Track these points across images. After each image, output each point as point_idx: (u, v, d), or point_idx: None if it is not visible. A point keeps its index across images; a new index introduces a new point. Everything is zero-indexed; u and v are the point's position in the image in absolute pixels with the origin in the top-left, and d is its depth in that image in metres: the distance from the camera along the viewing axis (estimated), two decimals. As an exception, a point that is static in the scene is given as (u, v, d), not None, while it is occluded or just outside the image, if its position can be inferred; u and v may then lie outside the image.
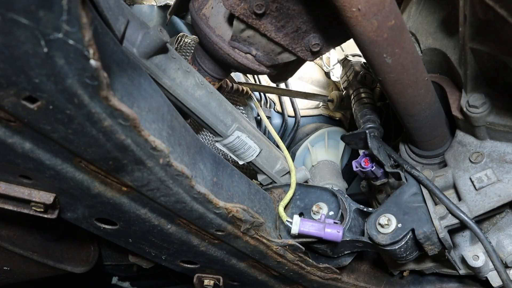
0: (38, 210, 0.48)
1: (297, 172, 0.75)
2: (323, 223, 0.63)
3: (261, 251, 0.64)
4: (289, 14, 0.55)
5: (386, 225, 0.64)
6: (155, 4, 1.31)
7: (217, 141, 0.69)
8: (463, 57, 0.62)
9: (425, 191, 0.67)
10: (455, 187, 0.68)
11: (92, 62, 0.29)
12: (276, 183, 0.77)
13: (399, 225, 0.64)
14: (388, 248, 0.64)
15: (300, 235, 0.64)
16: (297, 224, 0.63)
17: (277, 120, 1.15)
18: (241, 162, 0.72)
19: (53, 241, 0.81)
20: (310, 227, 0.63)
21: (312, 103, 1.33)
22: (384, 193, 0.87)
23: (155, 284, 1.31)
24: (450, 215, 0.63)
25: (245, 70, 0.64)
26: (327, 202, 0.72)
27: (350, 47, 1.24)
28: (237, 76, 1.04)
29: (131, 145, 0.39)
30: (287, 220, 0.63)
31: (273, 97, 1.16)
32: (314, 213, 0.70)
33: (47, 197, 0.47)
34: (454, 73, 0.70)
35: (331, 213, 0.70)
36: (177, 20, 1.27)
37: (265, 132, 0.99)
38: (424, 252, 0.66)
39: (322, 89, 1.42)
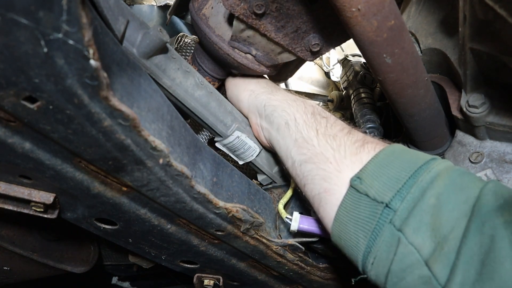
0: (38, 210, 0.48)
1: (297, 172, 0.75)
2: (323, 222, 0.64)
3: (261, 251, 0.64)
4: (289, 14, 0.55)
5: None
6: (155, 4, 1.31)
7: (217, 141, 0.69)
8: (462, 57, 0.62)
9: (425, 191, 0.67)
10: (455, 187, 0.68)
11: (92, 62, 0.29)
12: (276, 183, 0.77)
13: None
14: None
15: (299, 232, 0.64)
16: (296, 221, 0.63)
17: (277, 120, 1.15)
18: (241, 162, 0.72)
19: (53, 241, 0.81)
20: (310, 224, 0.63)
21: (312, 103, 1.33)
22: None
23: (155, 284, 1.31)
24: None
25: (245, 70, 0.64)
26: (327, 202, 0.71)
27: (350, 47, 1.24)
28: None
29: (131, 145, 0.39)
30: (286, 217, 0.63)
31: (273, 97, 1.16)
32: (314, 213, 0.70)
33: (47, 197, 0.47)
34: (454, 73, 0.70)
35: (331, 213, 0.70)
36: (177, 20, 1.28)
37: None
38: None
39: (322, 89, 1.42)
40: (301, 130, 0.56)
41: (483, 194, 0.39)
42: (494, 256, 0.34)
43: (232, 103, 0.69)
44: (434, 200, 0.40)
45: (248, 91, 0.66)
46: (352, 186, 0.46)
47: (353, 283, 0.48)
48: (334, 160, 0.50)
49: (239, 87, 0.68)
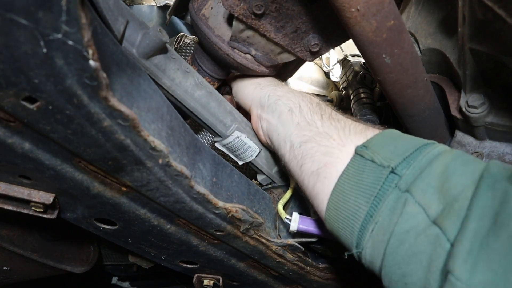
0: (37, 210, 0.48)
1: (297, 172, 0.75)
2: (322, 221, 0.64)
3: (261, 251, 0.64)
4: (288, 15, 0.55)
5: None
6: (155, 4, 1.31)
7: (216, 141, 0.69)
8: (462, 57, 0.63)
9: (424, 191, 0.67)
10: (454, 187, 0.68)
11: (91, 62, 0.29)
12: (275, 183, 0.77)
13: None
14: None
15: (299, 232, 0.64)
16: (296, 221, 0.63)
17: (276, 120, 1.15)
18: (240, 162, 0.72)
19: (53, 241, 0.81)
20: (309, 224, 0.63)
21: (312, 103, 1.33)
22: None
23: (155, 284, 1.31)
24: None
25: (245, 71, 0.64)
26: (327, 202, 0.71)
27: (349, 47, 1.24)
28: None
29: (131, 145, 0.39)
30: (286, 217, 0.63)
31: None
32: (314, 213, 0.70)
33: (47, 197, 0.47)
34: (453, 73, 0.70)
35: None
36: (176, 20, 1.28)
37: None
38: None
39: (321, 89, 1.42)
40: (304, 115, 0.55)
41: (490, 166, 0.38)
42: (509, 206, 0.33)
43: (237, 98, 0.70)
44: (442, 168, 0.40)
45: (254, 84, 0.67)
46: (357, 153, 0.45)
47: (345, 257, 0.46)
48: (338, 137, 0.49)
49: (245, 81, 0.69)
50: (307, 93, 0.64)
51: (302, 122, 0.55)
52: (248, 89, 0.67)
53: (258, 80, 0.67)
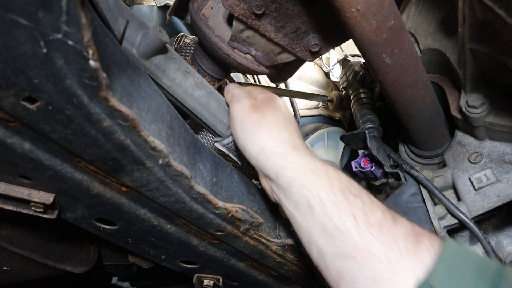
0: (37, 210, 0.48)
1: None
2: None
3: (261, 251, 0.64)
4: (288, 15, 0.55)
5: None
6: (155, 4, 1.31)
7: (216, 142, 0.69)
8: (462, 58, 0.63)
9: (424, 191, 0.67)
10: (454, 187, 0.68)
11: (91, 62, 0.29)
12: (275, 183, 0.77)
13: (399, 225, 0.64)
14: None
15: None
16: None
17: (276, 120, 1.15)
18: (240, 162, 0.72)
19: (53, 241, 0.81)
20: None
21: (312, 103, 1.33)
22: (384, 193, 0.87)
23: (155, 284, 1.31)
24: (449, 215, 0.64)
25: (245, 71, 0.64)
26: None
27: (349, 47, 1.24)
28: (237, 76, 1.04)
29: (131, 145, 0.39)
30: None
31: (273, 97, 1.16)
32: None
33: (47, 197, 0.47)
34: (453, 74, 0.70)
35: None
36: (176, 20, 1.28)
37: (265, 132, 0.98)
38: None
39: (321, 89, 1.42)
40: (331, 216, 0.45)
41: None
42: None
43: (238, 144, 0.57)
44: None
45: (257, 147, 0.52)
46: None
47: None
48: (386, 258, 0.41)
49: (247, 135, 0.54)
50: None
51: (330, 226, 0.44)
52: (251, 150, 0.53)
53: (261, 141, 0.52)
